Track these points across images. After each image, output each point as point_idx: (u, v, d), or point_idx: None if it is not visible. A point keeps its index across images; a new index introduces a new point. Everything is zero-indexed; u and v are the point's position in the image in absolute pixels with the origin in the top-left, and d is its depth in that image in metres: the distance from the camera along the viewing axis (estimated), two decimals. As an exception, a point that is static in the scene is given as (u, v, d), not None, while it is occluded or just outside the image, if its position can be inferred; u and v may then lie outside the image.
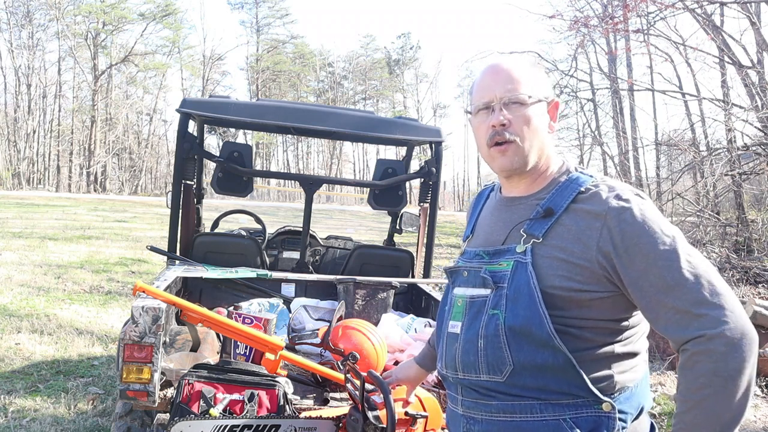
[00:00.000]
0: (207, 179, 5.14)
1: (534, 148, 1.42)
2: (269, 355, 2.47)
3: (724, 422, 1.19)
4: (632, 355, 1.36)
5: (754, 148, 9.31)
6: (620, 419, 1.32)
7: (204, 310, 2.53)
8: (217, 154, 4.05)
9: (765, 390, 5.07)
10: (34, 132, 36.57)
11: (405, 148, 5.02)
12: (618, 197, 1.32)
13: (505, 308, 1.35)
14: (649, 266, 1.26)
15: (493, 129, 1.42)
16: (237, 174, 4.03)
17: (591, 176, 1.40)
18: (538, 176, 1.46)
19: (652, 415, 1.49)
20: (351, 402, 2.06)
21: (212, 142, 37.14)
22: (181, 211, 4.05)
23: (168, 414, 2.49)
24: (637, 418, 1.37)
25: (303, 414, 2.38)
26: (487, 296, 1.39)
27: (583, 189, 1.37)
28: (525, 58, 1.68)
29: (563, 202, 1.37)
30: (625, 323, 1.35)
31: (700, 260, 1.27)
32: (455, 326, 1.46)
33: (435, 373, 2.82)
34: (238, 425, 2.20)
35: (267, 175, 10.79)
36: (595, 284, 1.31)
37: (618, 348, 1.34)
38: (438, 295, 3.79)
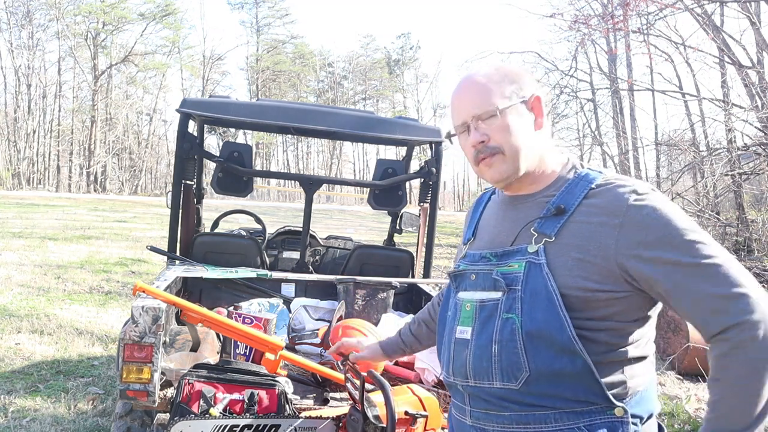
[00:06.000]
0: (207, 179, 5.14)
1: (521, 154, 1.38)
2: (269, 355, 2.48)
3: (761, 408, 1.19)
4: (642, 358, 1.35)
5: (754, 148, 9.32)
6: (632, 423, 1.31)
7: (204, 310, 2.53)
8: (217, 154, 4.05)
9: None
10: (34, 132, 36.57)
11: (405, 148, 5.02)
12: (636, 192, 1.29)
13: (521, 312, 1.31)
14: (680, 256, 1.23)
15: (474, 148, 1.40)
16: (237, 174, 4.03)
17: (600, 172, 1.37)
18: (538, 176, 1.42)
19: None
20: (351, 402, 2.06)
21: (212, 142, 37.19)
22: (181, 211, 4.05)
23: (168, 414, 2.49)
24: (647, 421, 1.36)
25: (303, 414, 2.38)
26: (499, 299, 1.35)
27: (594, 186, 1.34)
28: (492, 62, 1.61)
29: (574, 199, 1.34)
30: (637, 325, 1.33)
31: (721, 248, 1.26)
32: (464, 332, 1.40)
33: (438, 373, 2.83)
34: (238, 425, 2.20)
35: (267, 175, 10.78)
36: (611, 283, 1.28)
37: (630, 351, 1.32)
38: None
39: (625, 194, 1.29)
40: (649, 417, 1.36)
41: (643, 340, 1.35)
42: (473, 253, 1.49)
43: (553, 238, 1.32)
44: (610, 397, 1.29)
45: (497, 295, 1.36)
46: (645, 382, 1.35)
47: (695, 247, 1.24)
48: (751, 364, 1.19)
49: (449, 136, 1.48)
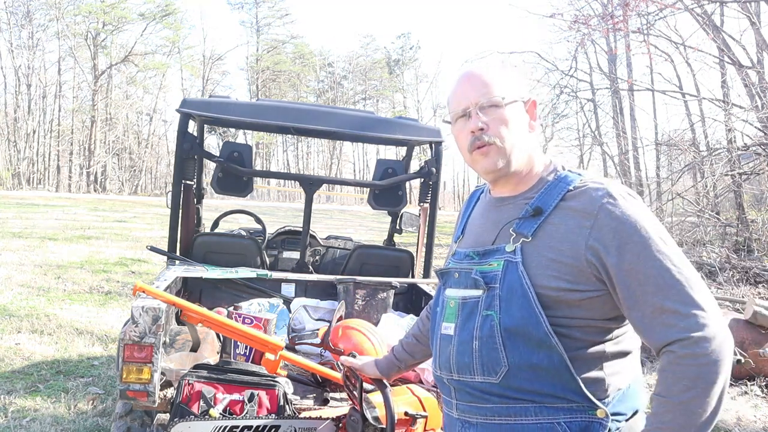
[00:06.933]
0: (207, 179, 5.14)
1: (516, 149, 1.42)
2: (269, 355, 2.48)
3: (702, 423, 1.20)
4: (623, 354, 1.36)
5: (754, 148, 9.31)
6: (614, 420, 1.33)
7: (204, 310, 2.53)
8: (217, 154, 4.05)
9: (765, 390, 5.06)
10: (34, 132, 36.56)
11: (405, 148, 5.02)
12: (609, 195, 1.31)
13: (499, 309, 1.35)
14: (639, 265, 1.26)
15: (472, 135, 1.43)
16: (237, 174, 4.03)
17: (579, 174, 1.40)
18: (524, 176, 1.46)
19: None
20: (351, 402, 2.06)
21: (212, 142, 37.17)
22: (181, 211, 4.05)
23: (168, 414, 2.49)
24: (632, 417, 1.37)
25: (303, 414, 2.38)
26: (480, 297, 1.39)
27: (571, 187, 1.37)
28: (498, 60, 1.69)
29: (552, 201, 1.37)
30: (614, 322, 1.35)
31: (686, 262, 1.28)
32: (448, 327, 1.45)
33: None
34: (238, 426, 2.20)
35: (267, 175, 10.79)
36: (584, 283, 1.30)
37: (608, 347, 1.34)
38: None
39: (597, 197, 1.32)
40: (635, 413, 1.37)
41: (625, 336, 1.37)
42: (460, 251, 1.53)
43: (530, 238, 1.36)
44: (589, 394, 1.31)
45: (478, 292, 1.40)
46: (628, 379, 1.37)
47: (656, 257, 1.26)
48: (691, 381, 1.20)
49: (445, 122, 1.52)
